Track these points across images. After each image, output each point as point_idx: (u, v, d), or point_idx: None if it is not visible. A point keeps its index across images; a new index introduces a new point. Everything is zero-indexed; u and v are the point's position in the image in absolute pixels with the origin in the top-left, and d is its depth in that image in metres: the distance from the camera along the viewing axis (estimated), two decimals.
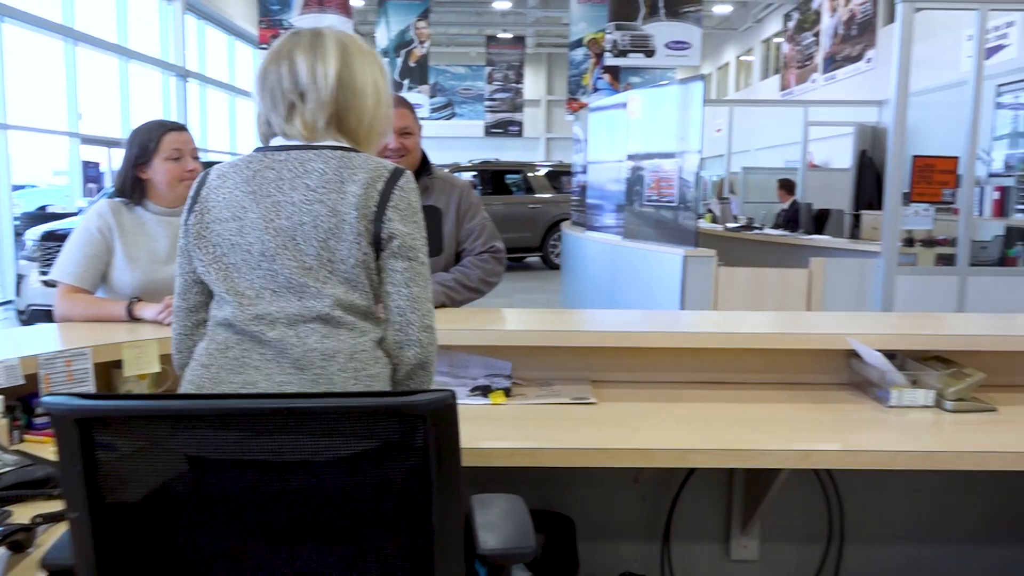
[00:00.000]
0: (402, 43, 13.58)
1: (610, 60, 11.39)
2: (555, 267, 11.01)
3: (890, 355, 1.99)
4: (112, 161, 11.62)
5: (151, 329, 2.04)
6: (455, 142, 21.65)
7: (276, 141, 1.41)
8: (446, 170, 2.91)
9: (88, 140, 11.62)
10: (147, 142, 2.24)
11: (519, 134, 20.24)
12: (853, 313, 3.01)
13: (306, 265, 1.32)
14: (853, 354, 2.06)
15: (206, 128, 15.48)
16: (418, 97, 13.19)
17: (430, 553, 1.06)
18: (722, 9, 18.81)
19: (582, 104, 11.38)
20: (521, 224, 11.95)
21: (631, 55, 11.14)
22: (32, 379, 1.73)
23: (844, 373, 2.14)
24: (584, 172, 7.43)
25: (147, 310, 2.12)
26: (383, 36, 13.64)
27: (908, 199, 4.59)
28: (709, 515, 2.23)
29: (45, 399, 1.02)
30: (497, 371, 2.08)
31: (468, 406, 1.87)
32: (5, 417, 1.66)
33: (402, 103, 2.53)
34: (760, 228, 8.29)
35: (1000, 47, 9.04)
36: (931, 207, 4.66)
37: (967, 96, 4.35)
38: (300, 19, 10.87)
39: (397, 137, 2.45)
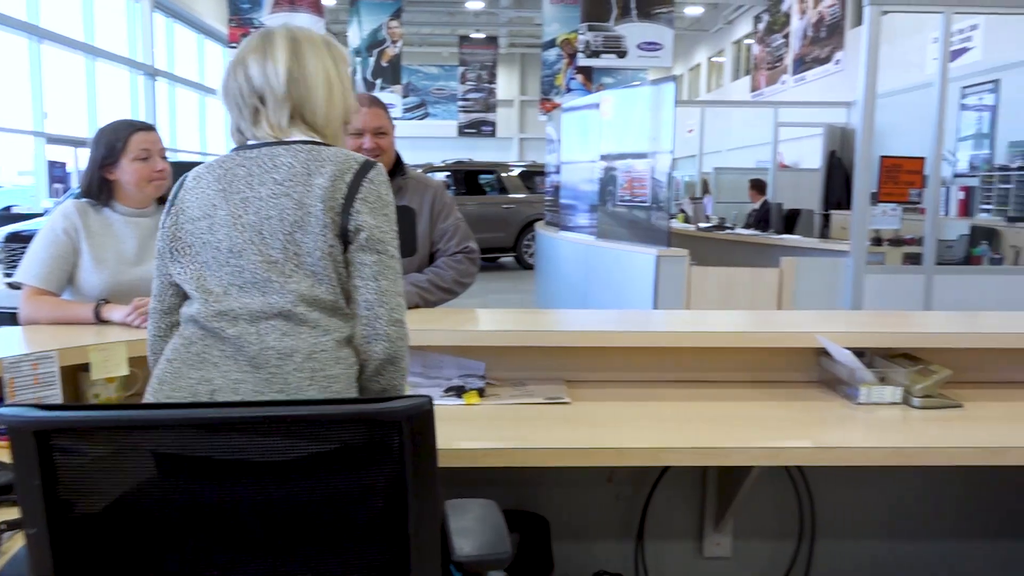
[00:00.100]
0: (374, 43, 13.52)
1: (583, 61, 11.44)
2: (529, 267, 11.03)
3: (859, 353, 2.02)
4: (79, 161, 11.44)
5: (119, 331, 2.01)
6: (428, 142, 21.60)
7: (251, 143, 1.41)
8: (419, 170, 2.90)
9: (54, 140, 11.42)
10: (114, 142, 2.20)
11: (492, 134, 20.24)
12: (823, 312, 3.05)
13: (271, 259, 1.32)
14: (823, 352, 2.09)
15: (175, 128, 15.29)
16: (391, 97, 13.15)
17: (406, 561, 1.05)
18: (693, 10, 18.96)
19: (555, 104, 11.41)
20: (495, 224, 11.94)
21: (603, 56, 11.19)
22: None
23: (814, 371, 2.17)
24: (557, 172, 7.45)
25: (115, 312, 2.09)
26: (355, 35, 13.56)
27: (876, 199, 4.66)
28: (682, 513, 2.24)
29: (1, 411, 0.98)
30: (471, 371, 2.08)
31: (442, 407, 1.85)
32: None
33: (375, 103, 2.52)
34: (732, 228, 8.37)
35: (964, 50, 9.22)
36: (898, 207, 4.73)
37: (933, 98, 4.42)
38: (271, 18, 10.78)
39: (372, 137, 2.44)
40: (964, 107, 9.41)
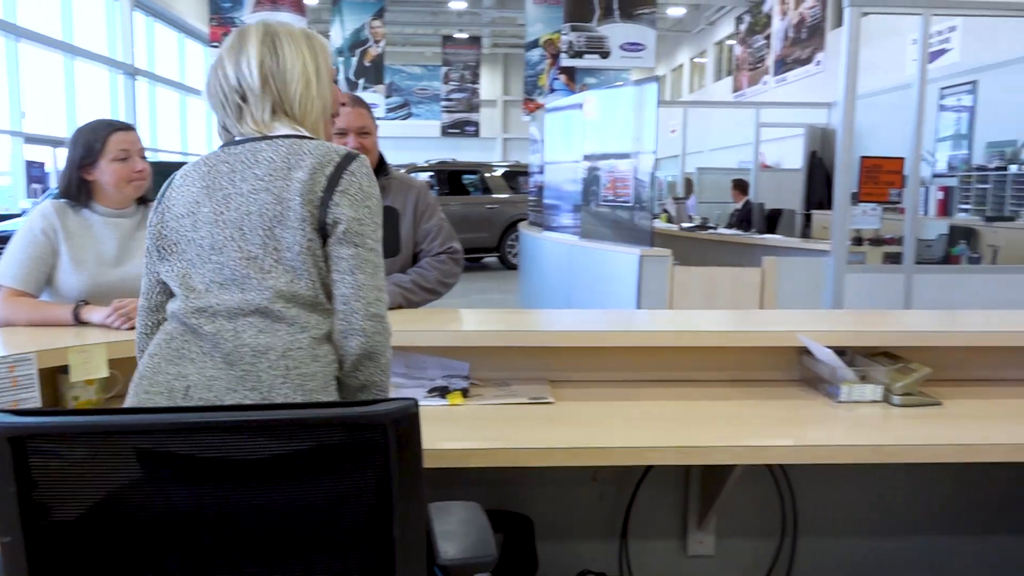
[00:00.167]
0: (357, 42, 13.48)
1: (566, 61, 11.46)
2: (512, 267, 11.03)
3: (840, 351, 2.04)
4: (57, 161, 11.32)
5: (98, 333, 1.99)
6: (411, 142, 21.56)
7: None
8: (402, 170, 2.90)
9: (32, 139, 11.30)
10: (92, 142, 2.18)
11: (476, 134, 20.24)
12: (804, 311, 3.08)
13: (251, 255, 1.32)
14: (805, 351, 2.10)
15: (156, 127, 15.16)
16: (374, 97, 13.11)
17: (391, 565, 1.05)
18: (676, 11, 19.05)
19: (538, 105, 11.43)
20: (478, 224, 11.93)
21: (586, 56, 11.22)
22: None
23: (796, 370, 2.18)
24: (541, 172, 7.46)
25: (94, 314, 2.07)
26: (337, 35, 13.51)
27: (856, 199, 4.70)
28: (666, 512, 2.25)
29: None
30: (454, 372, 2.08)
31: (426, 407, 1.85)
32: None
33: (358, 103, 2.51)
34: (714, 228, 8.42)
35: (943, 51, 9.33)
36: (878, 207, 4.77)
37: (912, 99, 4.47)
38: (252, 17, 10.71)
39: (355, 137, 2.43)
40: (943, 108, 9.52)
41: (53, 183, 10.86)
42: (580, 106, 6.10)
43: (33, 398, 1.75)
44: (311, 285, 1.32)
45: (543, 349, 2.14)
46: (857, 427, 1.81)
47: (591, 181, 5.77)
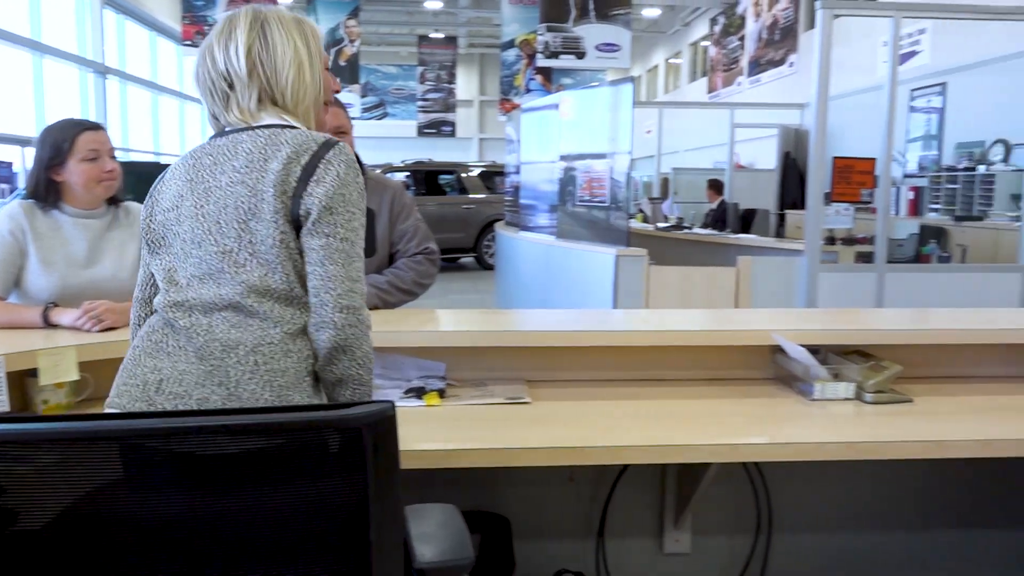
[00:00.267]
0: (332, 42, 13.40)
1: (542, 61, 11.48)
2: (489, 267, 11.03)
3: (813, 350, 2.06)
4: (25, 161, 11.13)
5: (68, 336, 1.96)
6: (387, 142, 21.47)
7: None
8: (378, 171, 2.88)
9: None
10: (61, 142, 2.14)
11: (452, 134, 20.22)
12: (778, 310, 3.11)
13: (226, 249, 1.31)
14: (778, 350, 2.12)
15: (127, 127, 14.96)
16: (349, 96, 13.04)
17: (368, 570, 1.04)
18: (651, 12, 19.15)
19: (515, 105, 11.43)
20: (455, 225, 11.92)
21: (562, 56, 11.24)
22: None
23: (770, 368, 2.20)
24: (517, 172, 7.46)
25: (64, 316, 2.03)
26: None
27: (829, 199, 4.75)
28: (643, 510, 2.26)
29: None
30: (431, 372, 2.07)
31: (402, 408, 1.84)
32: None
33: (334, 102, 2.49)
34: (689, 228, 8.47)
35: (913, 53, 9.46)
36: (850, 207, 4.84)
37: (883, 100, 4.53)
38: (226, 15, 10.61)
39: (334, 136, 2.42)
40: (913, 109, 9.66)
41: (21, 183, 10.68)
42: (556, 106, 6.11)
43: (1, 402, 1.72)
44: (285, 278, 1.31)
45: (520, 349, 2.14)
46: (830, 424, 1.83)
47: (567, 181, 5.79)
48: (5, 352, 1.75)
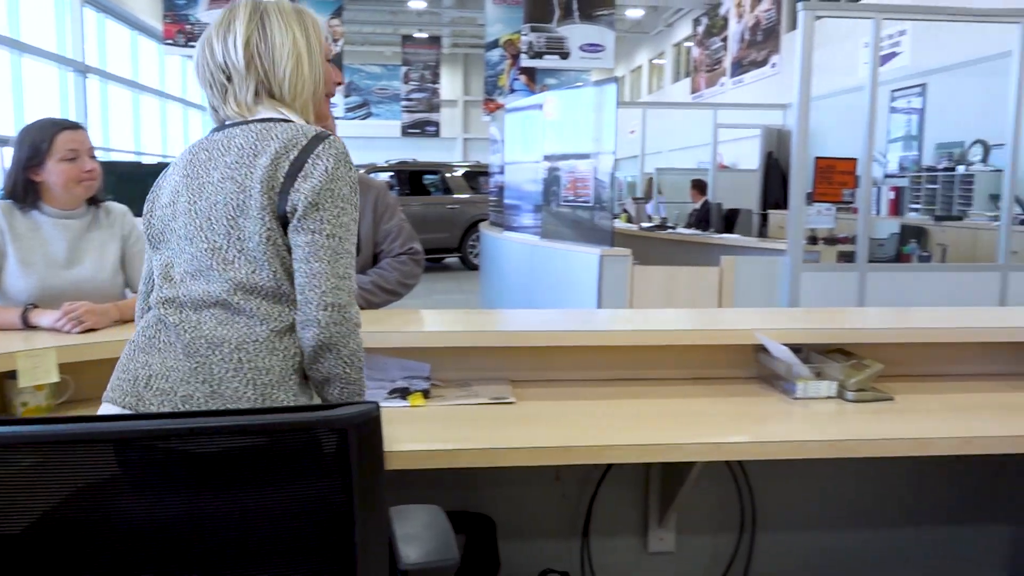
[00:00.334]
0: None
1: (526, 61, 11.49)
2: (474, 267, 11.02)
3: (796, 349, 2.07)
4: (4, 160, 11.01)
5: (48, 337, 1.94)
6: (371, 142, 21.42)
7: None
8: (362, 171, 2.87)
9: None
10: (39, 142, 2.12)
11: (436, 134, 20.20)
12: (761, 309, 3.12)
13: (215, 245, 1.30)
14: (761, 349, 2.14)
15: (108, 127, 14.82)
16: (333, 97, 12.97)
17: (353, 571, 1.03)
18: (634, 13, 19.21)
19: (499, 105, 11.44)
20: (439, 225, 11.90)
21: (546, 57, 11.26)
22: None
23: (753, 367, 2.21)
24: (501, 173, 7.46)
25: (44, 317, 2.01)
26: None
27: (811, 199, 4.79)
28: (627, 509, 2.27)
29: None
30: (415, 373, 2.07)
31: (386, 409, 1.84)
32: None
33: None
34: (673, 228, 8.51)
35: (893, 54, 9.55)
36: (832, 207, 4.88)
37: (864, 101, 4.57)
38: (207, 14, 10.55)
39: None
40: (893, 110, 9.75)
41: None
42: (540, 106, 6.11)
43: None
44: (272, 276, 1.30)
45: (504, 349, 2.14)
46: (813, 423, 1.85)
47: (551, 181, 5.79)
48: None
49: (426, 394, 1.96)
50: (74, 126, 2.20)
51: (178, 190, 1.35)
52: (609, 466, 2.21)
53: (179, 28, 10.92)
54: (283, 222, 1.29)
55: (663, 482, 2.22)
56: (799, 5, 4.44)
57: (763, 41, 10.81)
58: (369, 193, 2.55)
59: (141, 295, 1.47)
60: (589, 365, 2.17)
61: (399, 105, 19.76)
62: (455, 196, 12.38)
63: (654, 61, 22.20)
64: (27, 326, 2.02)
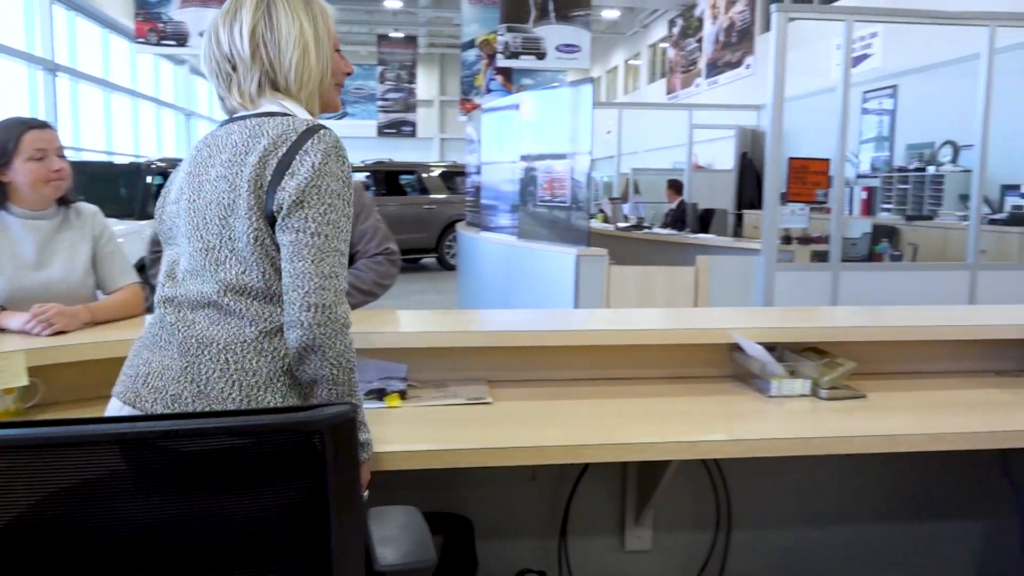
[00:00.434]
0: None
1: (502, 62, 11.49)
2: (451, 268, 11.00)
3: (770, 347, 2.09)
4: None
5: (17, 340, 1.91)
6: (347, 142, 20.98)
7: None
8: None
9: None
10: (5, 142, 2.09)
11: (412, 134, 20.13)
12: (736, 308, 3.15)
13: (209, 245, 1.30)
14: (736, 347, 2.15)
15: (79, 126, 14.61)
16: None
17: (328, 574, 1.03)
18: (610, 14, 19.28)
19: (475, 105, 11.42)
20: (416, 225, 11.87)
21: (522, 57, 11.27)
22: None
23: (728, 366, 2.23)
24: (478, 173, 7.46)
25: (12, 320, 1.98)
26: None
27: (785, 199, 4.83)
28: (604, 509, 2.27)
29: None
30: (392, 374, 2.06)
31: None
32: None
33: None
34: (649, 228, 8.55)
35: (865, 56, 9.67)
36: (806, 207, 4.93)
37: (837, 102, 4.62)
38: (180, 12, 10.43)
39: None
40: (865, 111, 9.88)
41: None
42: (516, 107, 6.12)
43: None
44: (262, 276, 1.29)
45: (481, 349, 2.13)
46: (787, 420, 1.86)
47: (528, 181, 5.80)
48: None
49: (403, 395, 1.96)
50: (42, 125, 2.16)
51: (182, 187, 1.36)
52: (586, 465, 2.22)
53: (151, 26, 10.78)
54: (271, 221, 1.28)
55: (640, 481, 2.23)
56: (772, 7, 4.48)
57: (737, 42, 10.91)
58: None
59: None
60: (566, 365, 2.18)
61: (375, 105, 19.67)
62: (432, 196, 12.35)
63: (630, 62, 22.29)
64: None
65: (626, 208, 9.39)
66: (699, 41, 12.21)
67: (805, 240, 6.17)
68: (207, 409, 1.27)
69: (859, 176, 9.30)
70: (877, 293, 4.65)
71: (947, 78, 8.00)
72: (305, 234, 1.25)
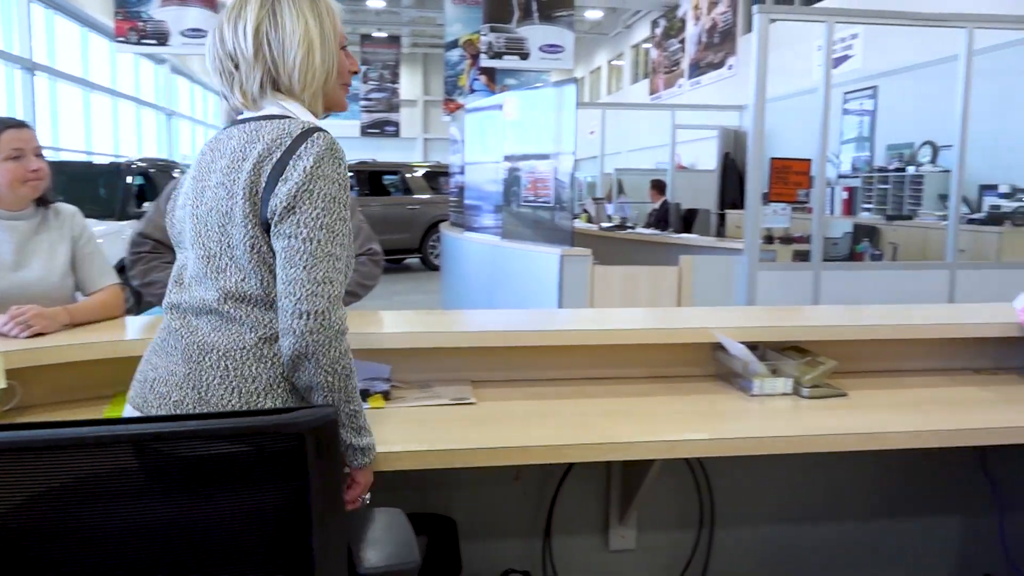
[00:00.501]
0: None
1: (485, 62, 11.47)
2: (435, 268, 10.98)
3: (752, 346, 2.10)
4: None
5: None
6: None
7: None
8: None
9: None
10: None
11: (396, 134, 20.06)
12: (719, 308, 3.16)
13: (211, 252, 1.30)
14: (719, 347, 2.16)
15: (57, 126, 14.45)
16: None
17: None
18: (593, 14, 19.32)
19: (459, 105, 11.41)
20: (400, 225, 11.84)
21: (506, 57, 11.26)
22: None
23: (711, 365, 2.24)
24: (462, 173, 7.45)
25: None
26: None
27: (767, 199, 4.86)
28: (588, 508, 2.28)
29: None
30: (376, 375, 2.05)
31: None
32: None
33: None
34: (632, 228, 8.58)
35: (846, 57, 9.74)
36: (788, 207, 4.96)
37: (818, 103, 4.65)
38: (160, 11, 10.33)
39: None
40: (846, 112, 9.95)
41: None
42: (500, 107, 6.11)
43: None
44: (260, 284, 1.28)
45: (465, 350, 2.13)
46: (769, 419, 1.87)
47: (512, 182, 5.80)
48: None
49: (386, 396, 1.95)
50: (19, 124, 2.14)
51: (188, 192, 1.36)
52: (570, 465, 2.22)
53: (131, 25, 10.67)
54: (267, 229, 1.26)
55: (624, 480, 2.23)
56: (754, 8, 4.51)
57: (720, 43, 10.96)
58: None
59: None
60: (550, 365, 2.18)
61: (358, 105, 19.58)
62: (415, 196, 12.32)
63: (613, 62, 22.35)
64: None
65: (610, 208, 9.41)
66: (682, 42, 12.26)
67: (787, 240, 6.21)
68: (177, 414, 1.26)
69: (840, 176, 9.38)
70: (858, 292, 4.69)
71: (926, 79, 8.08)
72: (297, 240, 1.23)
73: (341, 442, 1.31)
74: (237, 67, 1.33)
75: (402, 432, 1.75)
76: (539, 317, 2.58)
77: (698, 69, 11.54)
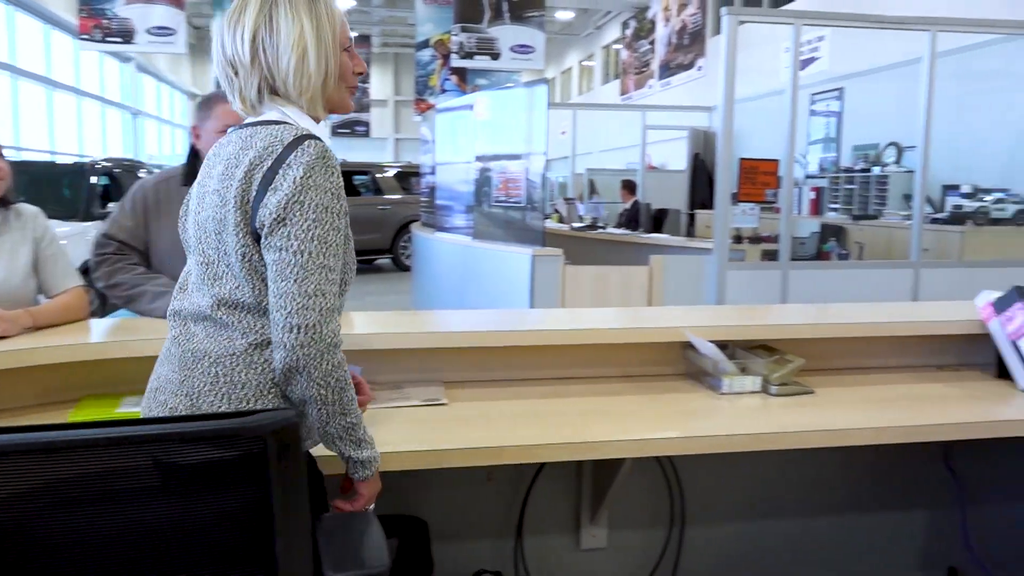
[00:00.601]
0: None
1: (456, 62, 11.47)
2: (406, 268, 10.94)
3: (722, 345, 2.12)
4: None
5: None
6: None
7: None
8: None
9: None
10: None
11: (367, 134, 19.96)
12: (689, 307, 3.19)
13: (209, 259, 1.30)
14: (689, 346, 2.18)
15: (19, 125, 14.17)
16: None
17: None
18: (564, 15, 19.37)
19: (430, 105, 11.38)
20: (371, 226, 11.77)
21: (477, 57, 11.26)
22: None
23: (681, 364, 2.26)
24: (433, 173, 7.43)
25: None
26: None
27: (736, 199, 4.91)
28: (560, 507, 2.28)
29: None
30: None
31: None
32: None
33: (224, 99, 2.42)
34: (603, 228, 8.61)
35: (813, 59, 9.87)
36: (756, 207, 5.02)
37: (785, 104, 4.71)
38: (125, 8, 10.17)
39: None
40: (813, 113, 10.09)
41: None
42: (471, 107, 6.11)
43: None
44: (252, 292, 1.27)
45: (437, 350, 2.13)
46: (738, 417, 1.89)
47: (483, 182, 5.80)
48: None
49: None
50: None
51: (193, 197, 1.37)
52: (541, 465, 2.22)
53: (95, 23, 10.49)
54: (256, 238, 1.25)
55: (595, 479, 2.24)
56: (723, 10, 4.55)
57: (689, 44, 11.05)
58: None
59: None
60: (521, 365, 2.18)
61: None
62: (386, 197, 12.26)
63: (584, 63, 22.43)
64: None
65: (581, 208, 9.44)
66: (652, 43, 12.34)
67: (756, 239, 6.28)
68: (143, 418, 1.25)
69: (807, 176, 9.50)
70: (825, 291, 4.75)
71: (891, 81, 8.22)
72: (287, 252, 1.21)
73: (340, 455, 1.32)
74: (237, 73, 1.31)
75: (374, 434, 1.73)
76: (511, 317, 2.58)
77: (668, 70, 11.62)
